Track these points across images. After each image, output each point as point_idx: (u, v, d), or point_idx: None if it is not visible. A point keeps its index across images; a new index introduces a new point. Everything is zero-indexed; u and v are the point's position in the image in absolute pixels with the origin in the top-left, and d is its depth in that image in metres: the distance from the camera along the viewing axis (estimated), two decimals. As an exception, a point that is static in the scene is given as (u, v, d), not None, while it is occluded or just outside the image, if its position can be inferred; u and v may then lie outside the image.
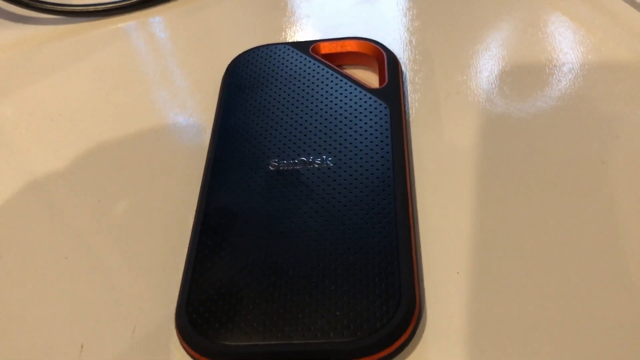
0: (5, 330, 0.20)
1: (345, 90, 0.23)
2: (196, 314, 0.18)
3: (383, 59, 0.25)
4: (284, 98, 0.24)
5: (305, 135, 0.22)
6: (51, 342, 0.19)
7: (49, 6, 0.31)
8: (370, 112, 0.22)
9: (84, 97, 0.27)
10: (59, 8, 0.31)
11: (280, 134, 0.22)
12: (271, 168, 0.21)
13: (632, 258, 0.19)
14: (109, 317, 0.19)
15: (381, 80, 0.24)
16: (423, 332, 0.18)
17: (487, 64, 0.26)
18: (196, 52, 0.29)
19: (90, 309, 0.20)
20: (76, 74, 0.29)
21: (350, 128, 0.22)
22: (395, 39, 0.27)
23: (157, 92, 0.27)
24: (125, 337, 0.19)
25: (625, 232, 0.19)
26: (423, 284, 0.19)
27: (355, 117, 0.22)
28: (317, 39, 0.26)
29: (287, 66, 0.25)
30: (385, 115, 0.22)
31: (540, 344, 0.17)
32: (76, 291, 0.20)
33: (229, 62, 0.26)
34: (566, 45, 0.26)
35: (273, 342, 0.17)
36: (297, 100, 0.23)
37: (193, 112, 0.26)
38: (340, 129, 0.22)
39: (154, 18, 0.31)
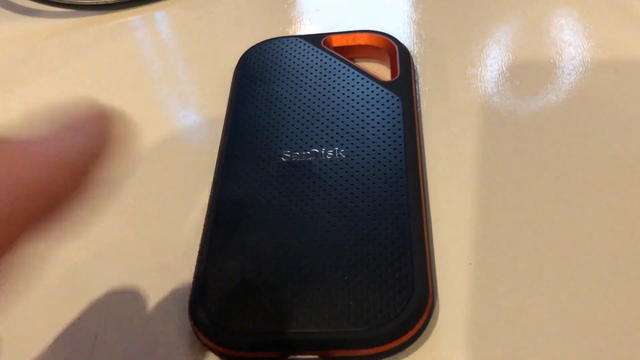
0: (22, 321, 0.20)
1: (358, 82, 0.23)
2: (210, 303, 0.18)
3: (395, 52, 0.25)
4: (296, 90, 0.24)
5: (317, 127, 0.22)
6: (65, 335, 0.19)
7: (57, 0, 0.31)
8: (383, 105, 0.22)
9: (94, 89, 0.28)
10: (69, 1, 0.31)
11: (292, 125, 0.22)
12: (283, 159, 0.21)
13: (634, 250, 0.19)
14: (122, 309, 0.20)
15: (393, 73, 0.24)
16: (436, 322, 0.18)
17: (498, 57, 0.26)
18: (207, 45, 0.29)
19: (103, 301, 0.20)
20: (86, 67, 0.29)
21: (363, 120, 0.22)
22: (406, 32, 0.27)
23: (169, 85, 0.27)
24: (138, 328, 0.19)
25: (636, 225, 0.19)
26: (435, 275, 0.19)
27: (368, 109, 0.22)
28: (328, 32, 0.26)
29: (299, 59, 0.25)
30: (398, 107, 0.22)
31: (552, 336, 0.17)
32: (90, 283, 0.20)
33: (239, 55, 0.26)
34: (577, 39, 0.26)
35: (287, 331, 0.17)
36: (309, 93, 0.23)
37: (205, 103, 0.26)
38: (353, 121, 0.22)
39: (163, 11, 0.31)
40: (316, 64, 0.25)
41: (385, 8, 0.29)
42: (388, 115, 0.22)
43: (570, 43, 0.26)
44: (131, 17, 0.31)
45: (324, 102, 0.23)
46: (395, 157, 0.21)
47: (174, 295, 0.20)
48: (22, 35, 0.31)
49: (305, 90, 0.24)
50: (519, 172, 0.21)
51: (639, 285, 0.18)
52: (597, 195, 0.20)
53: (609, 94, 0.23)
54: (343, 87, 0.23)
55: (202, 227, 0.20)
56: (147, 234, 0.21)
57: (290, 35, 0.27)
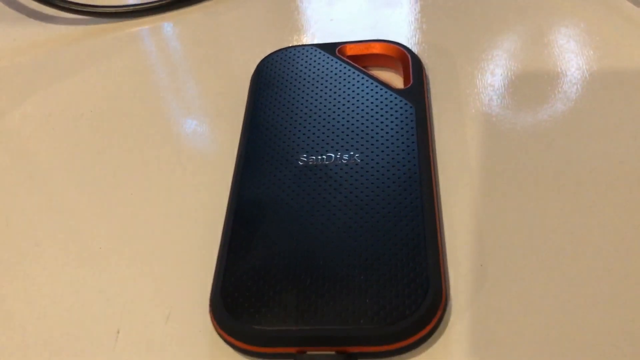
0: (45, 316, 0.20)
1: (372, 90, 0.24)
2: (231, 299, 0.18)
3: (408, 61, 0.25)
4: (311, 97, 0.24)
5: (333, 132, 0.23)
6: (88, 328, 0.20)
7: (75, 6, 0.32)
8: (396, 112, 0.23)
9: (110, 96, 0.28)
10: (86, 9, 0.32)
11: (308, 131, 0.23)
12: (300, 163, 0.22)
13: (650, 254, 0.19)
14: (144, 304, 0.20)
15: (406, 82, 0.25)
16: (448, 321, 0.19)
17: (507, 65, 0.26)
18: (224, 53, 0.30)
19: (126, 296, 0.21)
20: (103, 73, 0.30)
21: (377, 126, 0.23)
22: (417, 41, 0.28)
23: (187, 91, 0.28)
24: (159, 323, 0.20)
25: (644, 229, 0.20)
26: (448, 275, 0.20)
27: (382, 116, 0.23)
28: (342, 41, 0.27)
29: (314, 66, 0.26)
30: (411, 114, 0.23)
31: (563, 340, 0.18)
32: (111, 279, 0.21)
33: (255, 62, 0.27)
34: (585, 48, 0.27)
35: (305, 327, 0.18)
36: (325, 99, 0.24)
37: (224, 109, 0.27)
38: (367, 127, 0.23)
39: (180, 19, 0.32)
40: (331, 71, 0.25)
41: (397, 18, 0.30)
42: (401, 121, 0.23)
43: (578, 53, 0.26)
44: (148, 24, 0.32)
45: (339, 108, 0.24)
46: (408, 161, 0.21)
47: (194, 291, 0.20)
48: (39, 41, 0.32)
49: (320, 97, 0.24)
50: (529, 177, 0.22)
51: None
52: (605, 200, 0.21)
53: (616, 102, 0.24)
54: (357, 94, 0.24)
55: (222, 226, 0.21)
56: (169, 232, 0.22)
57: (305, 44, 0.28)
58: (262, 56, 0.28)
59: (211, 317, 0.19)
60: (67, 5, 0.32)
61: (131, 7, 0.32)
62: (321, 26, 0.30)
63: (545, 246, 0.20)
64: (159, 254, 0.22)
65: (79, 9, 0.32)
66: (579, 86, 0.25)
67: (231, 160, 0.23)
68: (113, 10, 0.32)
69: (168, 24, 0.32)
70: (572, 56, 0.26)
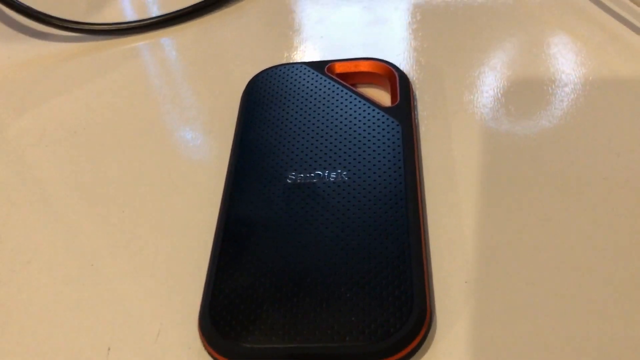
0: (35, 333, 0.21)
1: (359, 108, 0.25)
2: (219, 317, 0.19)
3: (395, 79, 0.26)
4: (300, 115, 0.25)
5: (321, 150, 0.23)
6: (79, 346, 0.20)
7: (70, 24, 0.33)
8: (383, 130, 0.23)
9: (103, 114, 0.29)
10: (80, 26, 0.33)
11: (297, 149, 0.23)
12: (289, 181, 0.22)
13: (633, 271, 0.20)
14: (134, 321, 0.21)
15: (393, 99, 0.25)
16: (433, 337, 0.19)
17: (494, 83, 0.27)
18: (215, 70, 0.30)
19: (116, 313, 0.21)
20: (96, 90, 0.30)
21: (364, 144, 0.23)
22: (405, 59, 0.29)
23: (178, 109, 0.28)
24: (150, 340, 0.20)
25: (626, 246, 0.20)
26: (433, 292, 0.20)
27: (369, 134, 0.23)
28: (331, 58, 0.28)
29: (303, 84, 0.26)
30: (397, 132, 0.23)
31: (548, 355, 0.18)
32: (102, 297, 0.21)
33: (246, 80, 0.28)
34: (569, 65, 0.27)
35: (292, 345, 0.18)
36: (314, 117, 0.25)
37: (214, 127, 0.27)
38: (355, 144, 0.23)
39: (173, 37, 0.32)
40: (320, 90, 0.26)
41: (386, 35, 0.30)
42: (388, 139, 0.23)
43: (564, 71, 0.27)
44: (141, 42, 0.32)
45: (327, 126, 0.24)
46: (395, 179, 0.22)
47: (184, 308, 0.20)
48: (36, 58, 0.33)
49: (309, 115, 0.25)
50: (514, 193, 0.22)
51: (630, 301, 0.19)
52: (589, 217, 0.21)
53: (601, 118, 0.25)
54: (345, 112, 0.25)
55: (211, 243, 0.21)
56: (160, 250, 0.22)
57: (295, 62, 0.28)
58: (254, 72, 0.28)
59: (200, 335, 0.19)
60: (62, 24, 0.32)
61: (124, 25, 0.32)
62: (312, 43, 0.30)
63: (529, 264, 0.20)
64: (149, 271, 0.22)
65: (74, 26, 0.32)
66: (566, 103, 0.26)
67: (221, 178, 0.24)
68: (106, 27, 0.32)
69: (161, 41, 0.32)
70: (558, 74, 0.27)
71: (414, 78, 0.27)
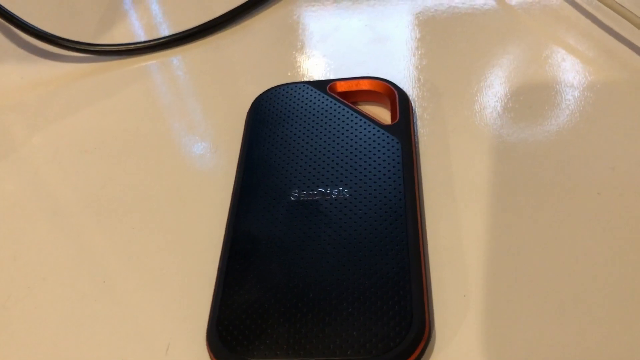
0: (49, 348, 0.21)
1: (360, 126, 0.25)
2: (226, 332, 0.19)
3: (395, 97, 0.27)
4: (303, 133, 0.26)
5: (323, 168, 0.24)
6: (92, 359, 0.21)
7: (80, 46, 0.34)
8: (383, 147, 0.24)
9: (113, 132, 0.30)
10: (90, 47, 0.34)
11: (300, 166, 0.24)
12: (292, 198, 0.23)
13: (626, 283, 0.20)
14: (145, 335, 0.21)
15: (393, 117, 0.26)
16: (432, 350, 0.20)
17: (492, 99, 0.27)
18: (221, 89, 0.31)
19: (127, 328, 0.22)
20: (106, 109, 0.31)
21: (365, 162, 0.24)
22: (405, 77, 0.29)
23: (186, 126, 0.29)
24: (160, 354, 0.21)
25: (620, 259, 0.21)
26: (432, 306, 0.21)
27: (370, 151, 0.24)
28: (333, 77, 0.29)
29: (306, 103, 0.27)
30: (397, 150, 0.24)
31: (541, 363, 0.19)
32: (114, 312, 0.22)
33: (252, 98, 0.29)
34: (565, 81, 0.28)
35: (296, 359, 0.19)
36: (316, 136, 0.25)
37: (220, 146, 0.28)
38: (356, 162, 0.24)
39: (177, 57, 0.33)
40: (322, 108, 0.27)
41: (386, 53, 0.31)
42: (388, 157, 0.24)
43: (560, 87, 0.28)
44: (150, 61, 0.33)
45: (329, 144, 0.25)
46: (395, 196, 0.22)
47: (193, 323, 0.21)
48: (48, 79, 0.34)
49: (312, 133, 0.26)
50: (512, 209, 0.23)
51: (630, 312, 0.20)
52: (583, 231, 0.22)
53: (596, 133, 0.25)
54: (347, 130, 0.25)
55: (218, 260, 0.22)
56: (169, 266, 0.23)
57: (298, 81, 0.29)
58: (259, 91, 0.29)
59: (208, 349, 0.20)
60: (73, 45, 0.33)
61: (132, 45, 0.33)
62: (315, 62, 0.31)
63: (527, 276, 0.21)
64: (159, 286, 0.23)
65: (85, 48, 0.33)
66: (560, 119, 0.26)
67: (228, 195, 0.25)
68: (115, 48, 0.33)
69: (168, 61, 0.33)
70: (555, 90, 0.28)
71: (414, 96, 0.28)
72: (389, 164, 0.24)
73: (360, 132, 0.25)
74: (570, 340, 0.19)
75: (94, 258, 0.24)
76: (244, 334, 0.19)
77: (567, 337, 0.19)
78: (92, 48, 0.34)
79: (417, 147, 0.26)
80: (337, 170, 0.24)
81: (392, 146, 0.24)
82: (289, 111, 0.27)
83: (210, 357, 0.20)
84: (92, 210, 0.26)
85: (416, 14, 0.33)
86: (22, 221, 0.26)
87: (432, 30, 0.32)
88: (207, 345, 0.20)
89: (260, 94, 0.28)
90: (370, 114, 0.26)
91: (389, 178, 0.23)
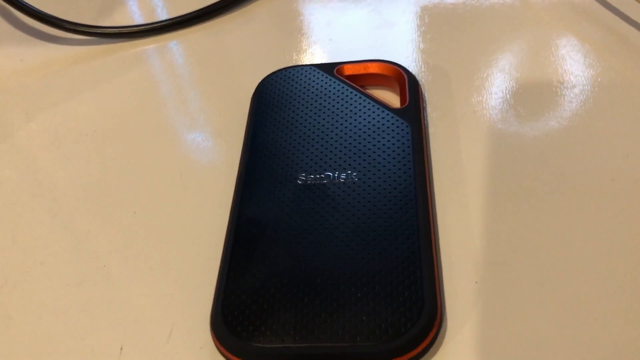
0: (48, 333, 0.21)
1: (369, 109, 0.25)
2: (231, 317, 0.19)
3: (404, 81, 0.26)
4: (310, 116, 0.25)
5: (331, 151, 0.23)
6: (92, 345, 0.20)
7: (81, 27, 0.33)
8: (393, 131, 0.24)
9: (114, 116, 0.29)
10: (91, 30, 0.33)
11: (307, 150, 0.24)
12: (299, 182, 0.22)
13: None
14: (147, 321, 0.21)
15: (402, 101, 0.26)
16: (444, 337, 0.19)
17: (502, 85, 0.27)
18: (224, 72, 0.30)
19: (129, 313, 0.21)
20: (107, 92, 0.30)
21: (374, 145, 0.23)
22: (413, 61, 0.29)
23: (188, 111, 0.29)
24: (162, 340, 0.20)
25: (635, 246, 0.20)
26: (443, 293, 0.20)
27: (379, 135, 0.24)
28: (340, 61, 0.28)
29: (313, 86, 0.26)
30: (407, 133, 0.23)
31: (558, 355, 0.18)
32: (115, 297, 0.22)
33: (255, 83, 0.28)
34: (577, 66, 0.27)
35: (304, 345, 0.18)
36: (323, 119, 0.25)
37: (223, 129, 0.27)
38: (364, 146, 0.23)
39: (181, 40, 0.33)
40: (329, 91, 0.26)
41: (395, 38, 0.30)
42: (398, 140, 0.23)
43: (571, 72, 0.27)
44: (151, 45, 0.33)
45: (337, 128, 0.24)
46: (405, 180, 0.22)
47: (196, 309, 0.21)
48: (46, 61, 0.33)
49: (319, 116, 0.25)
50: (524, 194, 0.22)
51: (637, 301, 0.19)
52: (602, 216, 0.21)
53: (609, 120, 0.25)
54: (355, 113, 0.25)
55: (222, 244, 0.22)
56: (171, 250, 0.23)
57: (304, 64, 0.28)
58: (263, 75, 0.28)
59: (212, 335, 0.19)
60: (73, 27, 0.33)
61: (134, 28, 0.33)
62: (320, 46, 0.31)
63: (537, 264, 0.20)
64: (161, 271, 0.22)
65: (85, 30, 0.33)
66: (572, 105, 0.26)
67: (232, 179, 0.24)
68: (116, 31, 0.33)
69: (170, 44, 0.33)
70: (567, 75, 0.27)
71: (423, 80, 0.28)
72: (398, 147, 0.23)
73: (369, 116, 0.25)
74: (584, 329, 0.19)
75: (94, 242, 0.24)
76: (249, 319, 0.19)
77: (584, 325, 0.19)
78: (93, 30, 0.33)
79: (427, 131, 0.25)
80: (345, 154, 0.23)
81: (402, 129, 0.24)
82: (296, 94, 0.26)
83: (215, 342, 0.19)
84: (92, 194, 0.25)
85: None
86: (20, 205, 0.25)
87: (441, 14, 0.31)
88: (211, 331, 0.19)
89: (266, 77, 0.28)
90: (379, 98, 0.26)
91: (399, 162, 0.22)
